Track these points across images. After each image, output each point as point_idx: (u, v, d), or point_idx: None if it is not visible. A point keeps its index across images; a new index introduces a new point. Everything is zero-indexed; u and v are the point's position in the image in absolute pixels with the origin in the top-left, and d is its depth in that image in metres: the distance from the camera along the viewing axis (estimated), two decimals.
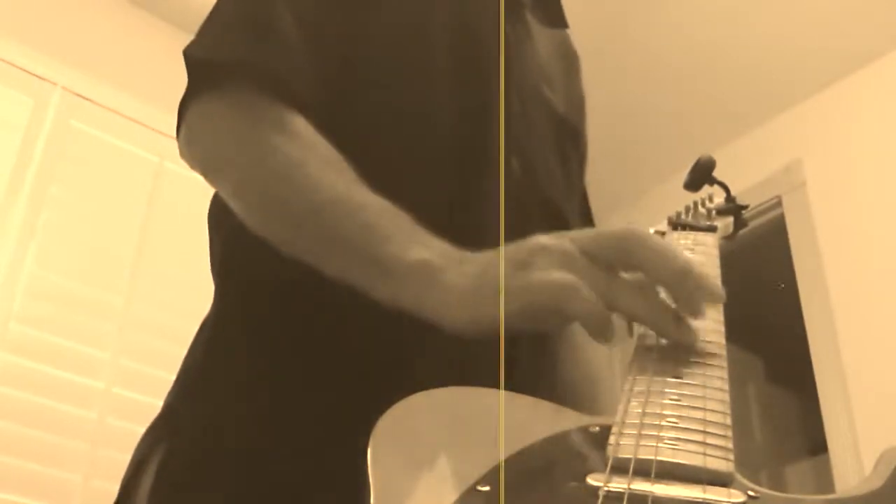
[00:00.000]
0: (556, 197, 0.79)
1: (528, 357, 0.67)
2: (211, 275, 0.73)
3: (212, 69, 0.65)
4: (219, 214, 0.72)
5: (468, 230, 0.58)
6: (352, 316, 0.62)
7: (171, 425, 0.66)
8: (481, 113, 0.72)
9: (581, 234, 0.53)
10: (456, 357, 0.62)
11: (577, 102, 0.91)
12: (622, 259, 0.51)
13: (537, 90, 0.81)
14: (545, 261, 0.50)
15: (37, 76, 2.25)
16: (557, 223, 0.77)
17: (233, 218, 0.64)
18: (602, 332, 0.49)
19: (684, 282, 0.50)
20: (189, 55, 0.66)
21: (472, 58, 0.74)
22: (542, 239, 0.52)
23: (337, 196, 0.59)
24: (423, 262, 0.54)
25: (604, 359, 0.85)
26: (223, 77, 0.64)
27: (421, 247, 0.55)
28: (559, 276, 0.49)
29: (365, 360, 0.62)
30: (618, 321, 0.53)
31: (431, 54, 0.72)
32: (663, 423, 0.43)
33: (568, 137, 0.85)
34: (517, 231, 0.70)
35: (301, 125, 0.62)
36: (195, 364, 0.69)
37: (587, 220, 0.90)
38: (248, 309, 0.68)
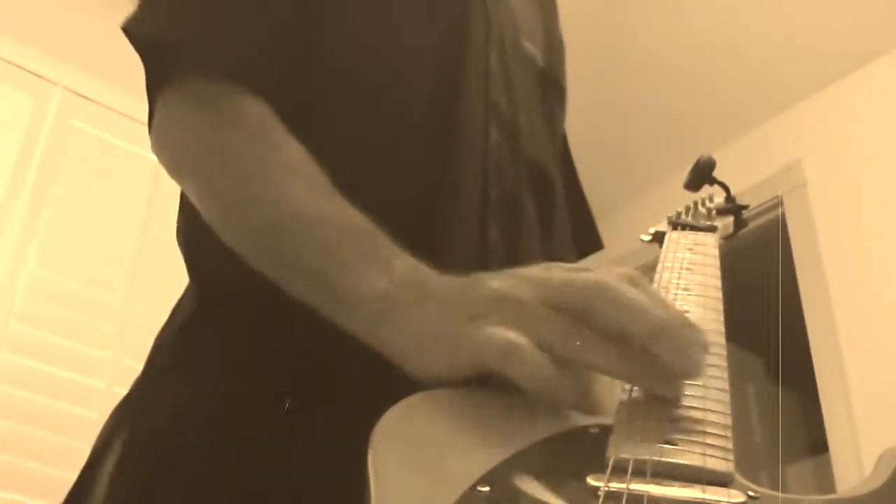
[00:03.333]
0: (539, 157, 0.76)
1: None
2: (180, 250, 0.70)
3: (170, 57, 0.62)
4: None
5: (441, 210, 0.55)
6: None
7: (134, 410, 0.64)
8: (453, 81, 0.68)
9: (546, 279, 0.47)
10: None
11: (557, 50, 0.87)
12: (588, 314, 0.45)
13: (517, 45, 0.77)
14: (498, 314, 0.46)
15: (37, 76, 2.25)
16: (542, 184, 0.75)
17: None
18: (545, 395, 0.44)
19: (662, 341, 0.44)
20: (138, 35, 0.62)
21: (446, 19, 0.71)
22: (500, 285, 0.48)
23: (295, 210, 0.56)
24: (380, 294, 0.51)
25: None
26: (182, 66, 0.61)
27: (380, 274, 0.52)
28: (507, 336, 0.44)
29: (350, 348, 0.59)
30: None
31: (400, 25, 0.69)
32: (663, 423, 0.43)
33: (551, 91, 0.82)
34: (504, 204, 0.68)
35: (264, 120, 0.59)
36: (165, 348, 0.66)
37: (568, 167, 0.87)
38: (222, 296, 0.65)
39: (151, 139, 0.65)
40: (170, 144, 0.64)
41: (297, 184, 0.57)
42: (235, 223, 0.59)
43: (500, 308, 0.46)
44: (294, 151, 0.58)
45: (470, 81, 0.69)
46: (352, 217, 0.55)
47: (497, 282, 0.48)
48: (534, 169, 0.74)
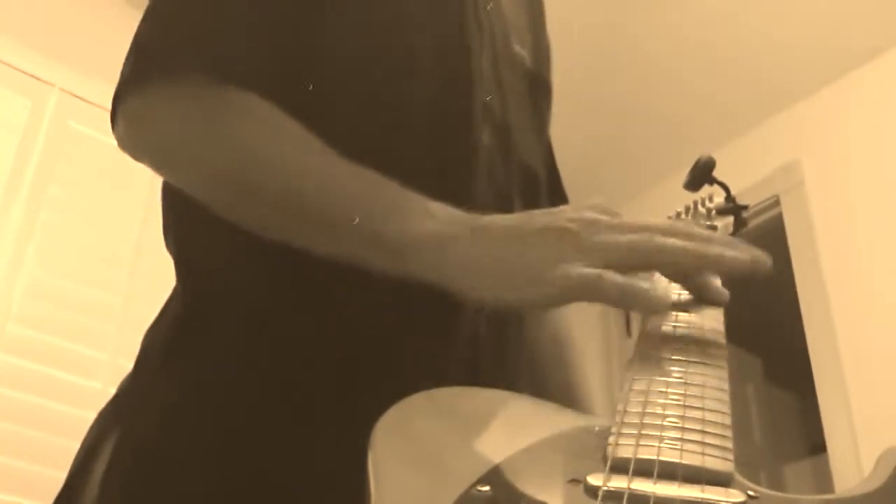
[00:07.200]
0: (529, 158, 0.77)
1: (493, 335, 0.66)
2: (168, 252, 0.69)
3: (160, 57, 0.63)
4: (172, 191, 0.69)
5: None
6: (333, 301, 0.60)
7: (125, 412, 0.64)
8: (450, 84, 0.69)
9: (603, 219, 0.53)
10: (435, 353, 0.61)
11: (544, 52, 0.88)
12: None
13: (507, 48, 0.78)
14: (574, 250, 0.50)
15: (35, 77, 2.25)
16: (533, 188, 0.77)
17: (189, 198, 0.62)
18: (649, 305, 0.51)
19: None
20: (136, 44, 0.64)
21: (440, 23, 0.71)
22: (563, 217, 0.53)
23: (320, 176, 0.57)
24: (432, 233, 0.53)
25: (579, 317, 0.83)
26: (173, 65, 0.62)
27: (424, 217, 0.53)
28: (586, 272, 0.49)
29: (349, 347, 0.60)
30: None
31: (402, 23, 0.69)
32: (663, 422, 0.43)
33: (539, 92, 0.83)
34: (495, 206, 0.68)
35: (263, 107, 0.60)
36: (155, 350, 0.66)
37: (552, 170, 0.88)
38: (214, 298, 0.65)
39: (123, 129, 0.65)
40: (159, 132, 0.64)
41: (309, 151, 0.58)
42: (254, 199, 0.59)
43: (571, 239, 0.51)
44: (296, 126, 0.60)
45: (463, 84, 0.70)
46: (375, 174, 0.57)
47: (558, 217, 0.53)
48: (523, 169, 0.75)
